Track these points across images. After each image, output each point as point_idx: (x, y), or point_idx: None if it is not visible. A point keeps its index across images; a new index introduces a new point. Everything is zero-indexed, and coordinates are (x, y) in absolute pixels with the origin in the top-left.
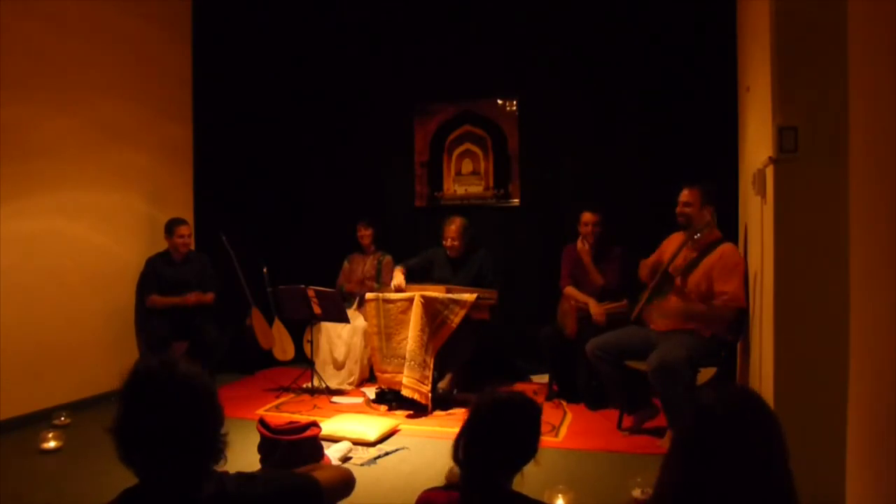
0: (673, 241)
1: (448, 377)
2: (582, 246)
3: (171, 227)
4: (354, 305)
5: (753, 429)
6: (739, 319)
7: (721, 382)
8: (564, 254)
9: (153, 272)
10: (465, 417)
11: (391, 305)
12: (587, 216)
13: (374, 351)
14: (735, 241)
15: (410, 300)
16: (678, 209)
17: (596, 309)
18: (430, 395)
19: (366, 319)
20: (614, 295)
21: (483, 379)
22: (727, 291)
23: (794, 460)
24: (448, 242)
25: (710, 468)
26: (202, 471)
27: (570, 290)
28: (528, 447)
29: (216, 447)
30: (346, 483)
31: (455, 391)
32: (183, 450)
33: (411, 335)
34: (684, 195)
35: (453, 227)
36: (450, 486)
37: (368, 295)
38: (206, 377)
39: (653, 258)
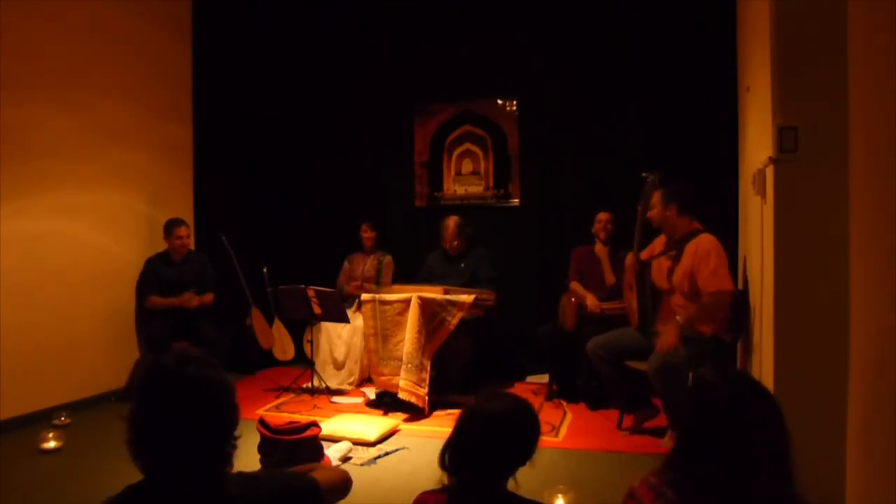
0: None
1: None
2: (601, 247)
3: (170, 228)
4: (354, 306)
5: (752, 409)
6: (735, 307)
7: (721, 367)
8: (573, 256)
9: (152, 273)
10: (452, 428)
11: (388, 307)
12: (602, 215)
13: (371, 353)
14: (734, 239)
15: (407, 301)
16: (647, 215)
17: (593, 301)
18: (427, 398)
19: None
20: (622, 295)
21: (483, 379)
22: (708, 284)
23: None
24: (449, 244)
25: (711, 448)
26: (209, 471)
27: (574, 284)
28: (520, 453)
29: (226, 449)
30: (343, 483)
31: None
32: (192, 449)
33: (408, 337)
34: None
35: (451, 228)
36: (446, 488)
37: (364, 296)
38: (224, 377)
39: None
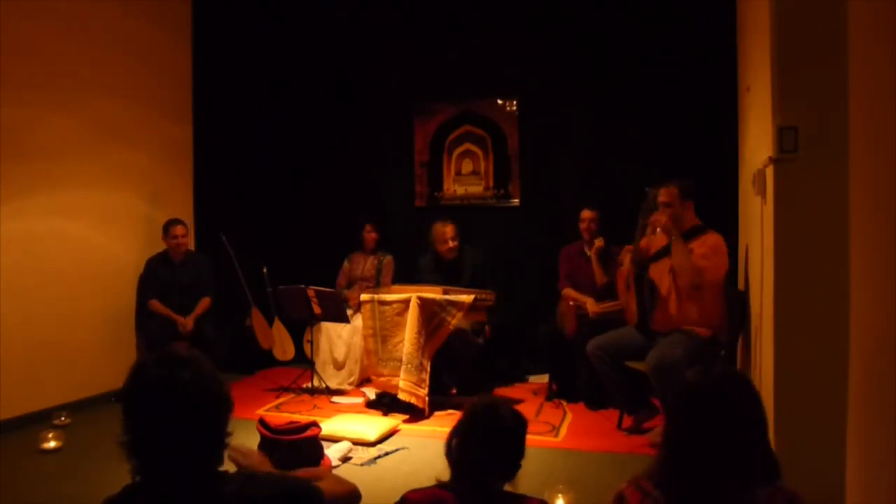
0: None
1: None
2: (589, 246)
3: (167, 227)
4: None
5: (735, 403)
6: (734, 307)
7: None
8: (561, 255)
9: (152, 274)
10: (461, 417)
11: (387, 307)
12: (585, 213)
13: (370, 354)
14: (734, 239)
15: (406, 302)
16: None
17: (593, 307)
18: (427, 398)
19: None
20: (613, 294)
21: (482, 379)
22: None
23: (795, 460)
24: (449, 245)
25: (697, 439)
26: (202, 470)
27: (568, 291)
28: (516, 458)
29: (218, 447)
30: (350, 497)
31: (454, 393)
32: (182, 449)
33: (408, 337)
34: (662, 195)
35: (449, 228)
36: (442, 484)
37: (363, 296)
38: (211, 374)
39: (625, 268)
